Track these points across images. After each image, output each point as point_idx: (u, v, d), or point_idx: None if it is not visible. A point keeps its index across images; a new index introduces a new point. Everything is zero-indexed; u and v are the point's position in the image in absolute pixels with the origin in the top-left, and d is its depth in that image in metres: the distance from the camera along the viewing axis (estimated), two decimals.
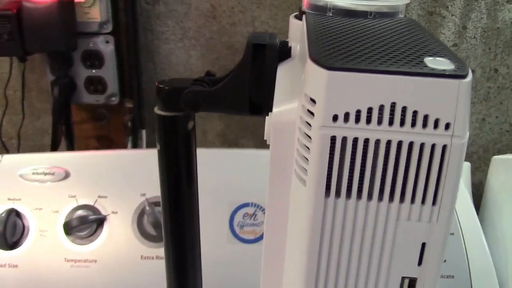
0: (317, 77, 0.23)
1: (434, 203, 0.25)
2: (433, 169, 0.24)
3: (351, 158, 0.24)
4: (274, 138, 0.27)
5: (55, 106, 0.81)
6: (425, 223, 0.25)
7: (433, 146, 0.24)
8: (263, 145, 0.81)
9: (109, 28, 0.83)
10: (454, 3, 0.85)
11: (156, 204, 0.72)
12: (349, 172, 0.25)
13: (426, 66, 0.23)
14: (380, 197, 0.25)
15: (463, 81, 0.23)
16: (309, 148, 0.25)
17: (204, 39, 0.90)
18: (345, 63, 0.23)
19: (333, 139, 0.24)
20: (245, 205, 0.73)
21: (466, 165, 0.76)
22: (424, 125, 0.23)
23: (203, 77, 0.37)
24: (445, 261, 0.69)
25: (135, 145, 0.91)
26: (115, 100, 0.86)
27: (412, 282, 0.26)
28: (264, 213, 0.73)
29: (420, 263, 0.26)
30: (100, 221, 0.71)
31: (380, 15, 0.34)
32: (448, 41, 0.87)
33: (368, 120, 0.23)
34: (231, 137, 0.94)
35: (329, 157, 0.24)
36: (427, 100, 0.23)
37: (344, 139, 0.24)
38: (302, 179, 0.26)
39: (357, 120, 0.23)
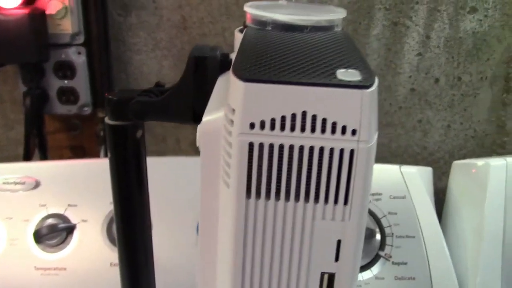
0: (236, 88, 0.25)
1: (346, 203, 0.27)
2: (343, 171, 0.26)
3: (268, 163, 0.26)
4: (203, 145, 0.29)
5: (27, 117, 0.82)
6: (338, 221, 0.27)
7: (341, 150, 0.26)
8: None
9: (81, 39, 0.85)
10: (418, 13, 0.88)
11: None
12: (267, 175, 0.27)
13: (335, 77, 0.25)
14: (297, 198, 0.27)
15: (365, 91, 0.25)
16: (231, 154, 0.27)
17: (175, 49, 0.92)
18: (261, 75, 0.25)
19: (251, 145, 0.26)
20: None
21: (428, 170, 0.79)
22: (333, 131, 0.25)
23: (151, 88, 0.39)
24: (406, 263, 0.71)
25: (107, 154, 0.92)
26: (87, 110, 0.88)
27: (331, 277, 0.28)
28: None
29: (337, 259, 0.28)
30: (70, 229, 0.72)
31: (316, 29, 0.36)
32: (412, 50, 0.90)
33: (282, 128, 0.26)
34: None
35: (249, 162, 0.26)
36: (334, 109, 0.25)
37: (261, 145, 0.26)
38: (227, 183, 0.28)
39: (272, 127, 0.26)
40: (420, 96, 0.93)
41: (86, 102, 0.88)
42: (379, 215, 0.73)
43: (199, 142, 0.30)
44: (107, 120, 0.38)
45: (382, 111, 0.94)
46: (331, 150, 0.26)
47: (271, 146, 0.26)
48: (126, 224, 0.40)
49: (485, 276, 0.70)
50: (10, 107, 0.95)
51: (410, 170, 0.76)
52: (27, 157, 0.85)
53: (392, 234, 0.72)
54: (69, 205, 0.74)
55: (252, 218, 0.27)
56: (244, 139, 0.26)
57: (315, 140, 0.26)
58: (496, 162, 0.74)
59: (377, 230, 0.72)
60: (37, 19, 0.80)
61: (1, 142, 0.97)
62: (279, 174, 0.27)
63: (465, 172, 0.79)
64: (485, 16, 0.88)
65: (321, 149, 0.26)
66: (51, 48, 0.84)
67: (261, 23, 0.37)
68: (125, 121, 0.38)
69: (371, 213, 0.72)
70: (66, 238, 0.72)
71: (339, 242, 0.28)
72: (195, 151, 0.97)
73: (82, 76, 0.87)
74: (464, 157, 0.96)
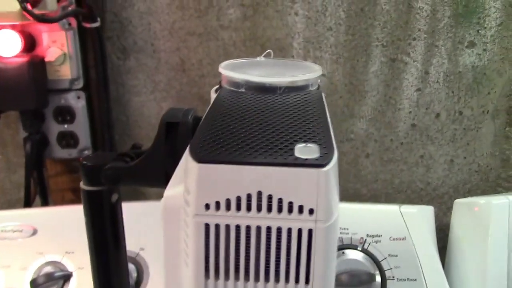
0: (190, 169, 0.25)
1: (307, 281, 0.26)
2: (302, 251, 0.26)
3: (226, 243, 0.26)
4: (165, 221, 0.28)
5: (27, 162, 0.83)
6: None
7: (299, 230, 0.25)
8: None
9: (80, 84, 0.86)
10: (415, 49, 0.88)
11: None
12: (225, 255, 0.26)
13: (292, 154, 0.25)
14: (257, 278, 0.26)
15: (321, 170, 0.24)
16: (188, 234, 0.26)
17: (174, 91, 0.93)
18: (215, 155, 0.25)
19: (207, 226, 0.25)
20: None
21: (429, 209, 0.77)
22: (290, 211, 0.25)
23: (127, 151, 0.39)
24: None
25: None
26: (87, 153, 0.88)
27: None
28: None
29: None
30: (66, 277, 0.72)
31: (290, 89, 0.36)
32: (412, 86, 0.90)
33: (238, 208, 0.25)
34: None
35: (206, 242, 0.26)
36: (290, 188, 0.24)
37: (217, 226, 0.25)
38: (186, 262, 0.27)
39: (228, 208, 0.25)
40: (421, 131, 0.92)
41: (86, 146, 0.89)
42: (379, 257, 0.71)
43: (161, 217, 0.29)
44: (82, 185, 0.38)
45: (383, 147, 0.93)
46: (289, 230, 0.25)
47: (228, 226, 0.25)
48: (103, 284, 0.39)
49: None
50: (12, 151, 0.96)
51: (410, 210, 0.75)
52: (27, 203, 0.85)
53: (393, 277, 0.71)
54: (66, 252, 0.74)
55: None
56: (200, 220, 0.25)
57: (272, 220, 0.25)
58: (498, 201, 0.73)
59: (377, 273, 0.70)
60: (37, 67, 0.82)
61: (4, 186, 0.98)
62: (237, 254, 0.26)
63: (467, 210, 0.77)
64: (484, 50, 0.87)
65: (279, 229, 0.25)
66: (50, 94, 0.85)
67: (235, 84, 0.36)
68: (99, 186, 0.38)
69: (371, 256, 0.71)
70: (63, 286, 0.72)
71: None
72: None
73: (81, 120, 0.87)
74: (469, 192, 0.95)
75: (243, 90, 0.36)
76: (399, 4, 0.86)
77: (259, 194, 0.25)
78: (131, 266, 0.73)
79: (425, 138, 0.92)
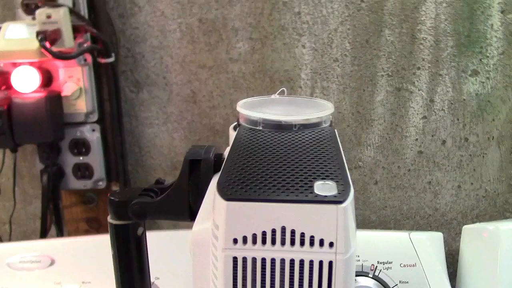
0: (219, 206, 0.27)
1: None
2: (323, 282, 0.27)
3: (252, 275, 0.28)
4: (194, 254, 0.30)
5: (43, 194, 0.85)
6: None
7: (320, 262, 0.27)
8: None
9: (95, 117, 0.89)
10: (420, 78, 0.90)
11: None
12: (252, 286, 0.28)
13: (312, 192, 0.27)
14: None
15: (340, 206, 0.26)
16: (217, 267, 0.28)
17: (186, 122, 0.95)
18: (241, 193, 0.27)
19: (235, 259, 0.27)
20: None
21: (439, 236, 0.79)
22: (311, 244, 0.27)
23: (152, 186, 0.41)
24: None
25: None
26: (102, 184, 0.90)
27: None
28: None
29: None
30: None
31: (304, 126, 0.38)
32: (417, 114, 0.92)
33: (263, 242, 0.27)
34: None
35: (234, 274, 0.28)
36: (311, 223, 0.26)
37: (245, 259, 0.27)
38: None
39: (254, 242, 0.27)
40: (428, 158, 0.93)
41: (101, 177, 0.91)
42: (390, 284, 0.72)
43: (190, 250, 0.31)
44: (109, 219, 0.40)
45: (391, 174, 0.94)
46: (311, 262, 0.27)
47: (254, 259, 0.27)
48: None
49: None
50: (28, 182, 0.98)
51: (420, 237, 0.76)
52: (44, 233, 0.87)
53: None
54: (83, 282, 0.75)
55: None
56: (228, 253, 0.27)
57: (295, 253, 0.27)
58: (507, 226, 0.74)
59: None
60: (54, 101, 0.84)
61: (20, 217, 1.00)
62: (263, 285, 0.28)
63: (476, 236, 0.79)
64: (487, 78, 0.89)
65: (301, 262, 0.27)
66: (66, 127, 0.88)
67: (253, 123, 0.39)
68: (126, 220, 0.40)
69: (382, 283, 0.72)
70: None
71: None
72: None
73: (96, 152, 0.90)
74: (477, 217, 0.96)
75: (261, 128, 0.38)
76: (402, 35, 0.89)
77: (283, 229, 0.27)
78: None
79: (432, 164, 0.94)
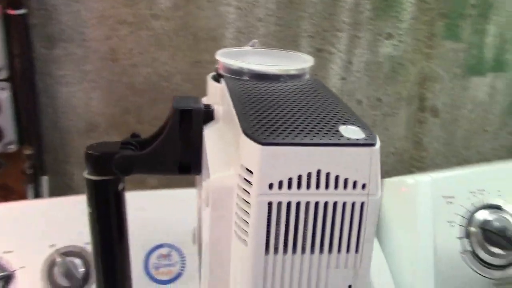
0: (252, 151, 0.27)
1: (357, 251, 0.29)
2: (354, 223, 0.28)
3: (286, 219, 0.28)
4: (213, 202, 0.30)
5: None
6: (350, 268, 0.29)
7: (353, 204, 0.28)
8: (169, 184, 0.83)
9: (4, 74, 0.81)
10: (340, 40, 0.93)
11: (66, 254, 0.71)
12: (285, 231, 0.28)
13: (342, 136, 0.28)
14: (312, 250, 0.29)
15: (373, 148, 0.27)
16: (248, 213, 0.28)
17: (104, 81, 0.90)
18: (275, 137, 0.27)
19: (269, 204, 0.27)
20: (159, 246, 0.74)
21: None
22: (345, 187, 0.27)
23: (129, 140, 0.39)
24: None
25: (37, 193, 0.88)
26: (13, 147, 0.83)
27: None
28: (178, 252, 0.75)
29: None
30: (7, 278, 0.68)
31: (290, 77, 0.38)
32: (336, 75, 0.95)
33: (299, 186, 0.27)
34: (137, 176, 0.94)
35: (268, 219, 0.27)
36: (346, 166, 0.27)
37: (279, 204, 0.27)
38: (243, 240, 0.29)
39: (289, 186, 0.27)
40: None
41: (11, 139, 0.84)
42: None
43: (207, 199, 0.30)
44: (87, 175, 0.38)
45: None
46: (344, 204, 0.28)
47: (289, 204, 0.27)
48: (108, 278, 0.39)
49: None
50: None
51: None
52: None
53: None
54: (4, 252, 0.70)
55: (271, 273, 0.29)
56: (264, 199, 0.27)
57: (329, 196, 0.27)
58: (423, 179, 0.80)
59: None
60: None
61: None
62: (296, 229, 0.28)
63: (395, 188, 0.84)
64: (400, 41, 0.95)
65: (335, 204, 0.28)
66: None
67: (237, 73, 0.38)
68: (107, 176, 0.37)
69: None
70: (4, 287, 0.68)
71: (349, 287, 0.30)
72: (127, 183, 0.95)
73: (6, 113, 0.82)
74: (386, 173, 1.03)
75: (247, 78, 0.37)
76: None
77: (318, 172, 0.27)
78: (77, 261, 0.72)
79: None
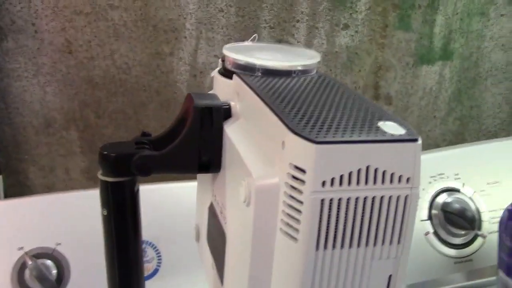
0: (305, 150, 0.27)
1: (399, 242, 0.30)
2: (398, 215, 0.29)
3: (336, 215, 0.28)
4: (257, 200, 0.30)
5: None
6: (392, 259, 0.30)
7: (398, 197, 0.29)
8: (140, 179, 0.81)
9: None
10: (299, 31, 0.95)
11: (37, 256, 0.69)
12: (335, 227, 0.29)
13: (385, 132, 0.28)
14: (359, 244, 0.29)
15: (417, 144, 0.28)
16: (299, 210, 0.28)
17: (60, 74, 0.87)
18: (326, 135, 0.27)
19: (322, 201, 0.28)
20: None
21: None
22: (391, 181, 0.28)
23: (142, 139, 0.38)
24: None
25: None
26: None
27: None
28: (153, 248, 0.74)
29: None
30: None
31: (301, 72, 0.38)
32: None
33: (349, 182, 0.28)
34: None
35: (320, 215, 0.28)
36: (392, 161, 0.28)
37: (331, 200, 0.28)
38: (293, 237, 0.29)
39: (341, 183, 0.28)
40: None
41: None
42: None
43: (250, 199, 0.30)
44: (103, 177, 0.36)
45: None
46: (390, 197, 0.29)
47: (340, 200, 0.28)
48: (123, 280, 0.38)
49: None
50: None
51: None
52: None
53: None
54: None
55: (320, 268, 0.29)
56: (317, 196, 0.27)
57: (377, 190, 0.28)
58: None
59: None
60: None
61: None
62: (345, 224, 0.29)
63: None
64: (356, 31, 0.98)
65: (382, 198, 0.29)
66: None
67: (249, 69, 0.38)
68: (125, 177, 0.36)
69: None
70: None
71: (390, 276, 0.31)
72: (87, 179, 0.93)
73: None
74: None
75: (259, 74, 0.38)
76: None
77: (367, 168, 0.28)
78: (48, 262, 0.69)
79: None
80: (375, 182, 0.28)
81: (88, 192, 0.70)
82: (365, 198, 0.29)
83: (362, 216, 0.29)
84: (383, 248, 0.30)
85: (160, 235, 0.73)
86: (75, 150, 0.91)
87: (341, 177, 0.28)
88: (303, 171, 0.28)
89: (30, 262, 0.66)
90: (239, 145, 0.33)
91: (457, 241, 0.82)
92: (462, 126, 1.10)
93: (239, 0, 0.90)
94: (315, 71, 0.40)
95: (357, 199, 0.28)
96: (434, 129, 1.08)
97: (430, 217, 0.81)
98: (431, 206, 0.82)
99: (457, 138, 1.10)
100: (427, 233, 0.81)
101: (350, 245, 0.30)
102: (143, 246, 0.73)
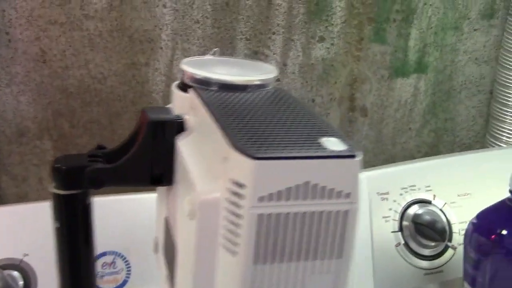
0: (244, 165, 0.27)
1: (340, 256, 0.31)
2: (338, 229, 0.30)
3: (275, 230, 0.29)
4: (200, 214, 0.30)
5: None
6: (333, 273, 0.31)
7: (338, 212, 0.29)
8: (107, 190, 0.81)
9: None
10: (275, 43, 0.96)
11: (3, 267, 0.68)
12: (273, 241, 0.29)
13: (325, 148, 0.29)
14: (298, 258, 0.30)
15: (356, 160, 0.29)
16: (239, 224, 0.28)
17: (34, 83, 0.87)
18: (266, 151, 0.28)
19: (260, 216, 0.28)
20: (103, 254, 0.72)
21: None
22: (330, 196, 0.29)
23: (95, 152, 0.38)
24: None
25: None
26: None
27: None
28: (122, 259, 0.74)
29: None
30: None
31: (257, 87, 0.39)
32: None
33: (287, 198, 0.28)
34: None
35: (258, 230, 0.28)
36: (332, 177, 0.28)
37: (270, 215, 0.28)
38: (232, 251, 0.29)
39: (279, 198, 0.28)
40: None
41: None
42: None
43: (193, 212, 0.31)
44: (55, 190, 0.36)
45: None
46: (329, 212, 0.29)
47: (278, 215, 0.28)
48: None
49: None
50: None
51: None
52: None
53: None
54: None
55: (259, 282, 0.29)
56: (255, 211, 0.28)
57: (316, 206, 0.29)
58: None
59: None
60: None
61: None
62: (284, 239, 0.29)
63: None
64: (332, 44, 0.99)
65: (321, 213, 0.29)
66: None
67: (205, 83, 0.38)
68: (76, 190, 0.36)
69: None
70: None
71: None
72: None
73: None
74: None
75: (215, 88, 0.38)
76: (260, 0, 0.92)
77: (306, 183, 0.28)
78: (15, 274, 0.69)
79: None
80: (314, 197, 0.29)
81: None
82: (304, 213, 0.29)
83: (302, 230, 0.29)
84: (323, 263, 0.31)
85: (130, 246, 0.73)
86: (48, 160, 0.91)
87: (280, 192, 0.28)
88: (242, 186, 0.28)
89: None
90: (187, 159, 0.33)
91: (427, 252, 0.82)
92: (437, 138, 1.11)
93: (215, 11, 0.91)
94: (271, 85, 0.41)
95: (296, 214, 0.29)
96: (409, 141, 1.09)
97: (401, 229, 0.82)
98: (402, 218, 0.82)
99: (432, 150, 1.11)
100: (397, 244, 0.81)
101: (290, 259, 0.30)
102: (112, 257, 0.73)
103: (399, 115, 1.07)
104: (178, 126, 0.37)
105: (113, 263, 0.73)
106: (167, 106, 0.41)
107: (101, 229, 0.73)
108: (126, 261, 0.73)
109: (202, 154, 0.34)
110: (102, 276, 0.72)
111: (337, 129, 0.32)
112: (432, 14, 1.01)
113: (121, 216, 0.72)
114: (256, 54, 0.95)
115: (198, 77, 0.38)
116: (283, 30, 0.95)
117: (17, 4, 0.83)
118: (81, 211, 0.38)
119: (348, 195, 0.29)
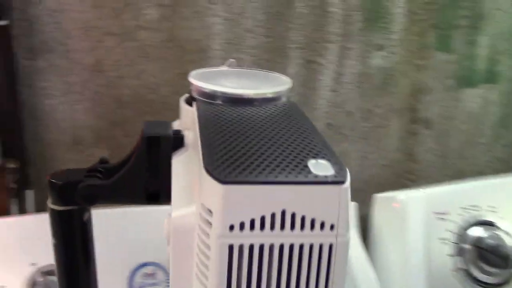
0: (212, 189, 0.25)
1: None
2: (322, 265, 0.26)
3: (249, 263, 0.26)
4: (174, 240, 0.28)
5: None
6: None
7: (321, 245, 0.26)
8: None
9: None
10: (330, 52, 0.92)
11: (48, 273, 0.69)
12: (248, 275, 0.26)
13: (310, 172, 0.26)
14: None
15: (342, 187, 0.25)
16: (208, 256, 0.26)
17: (89, 93, 0.89)
18: (237, 175, 0.25)
19: (231, 247, 0.25)
20: (144, 265, 0.72)
21: (354, 205, 0.82)
22: (312, 227, 0.26)
23: (96, 166, 0.37)
24: None
25: (21, 207, 0.87)
26: None
27: None
28: (163, 271, 0.73)
29: None
30: None
31: (265, 101, 0.36)
32: (326, 86, 0.94)
33: (262, 227, 0.25)
34: None
35: (229, 263, 0.26)
36: (312, 205, 0.25)
37: (241, 246, 0.25)
38: (204, 284, 0.27)
39: (252, 227, 0.25)
40: (336, 129, 0.96)
41: None
42: None
43: (169, 237, 0.29)
44: (51, 205, 0.36)
45: None
46: (311, 245, 0.26)
47: (251, 246, 0.26)
48: None
49: None
50: None
51: None
52: None
53: None
54: None
55: None
56: (224, 241, 0.25)
57: (295, 237, 0.26)
58: (415, 194, 0.78)
59: None
60: None
61: None
62: (260, 273, 0.26)
63: (386, 204, 0.83)
64: (391, 52, 0.93)
65: (301, 246, 0.26)
66: None
67: (210, 96, 0.36)
68: (72, 206, 0.36)
69: None
70: None
71: None
72: None
73: None
74: (378, 185, 1.01)
75: (220, 102, 0.36)
76: (314, 9, 0.89)
77: (283, 212, 0.25)
78: None
79: (340, 136, 0.97)
80: (292, 228, 0.26)
81: (113, 210, 0.71)
82: (281, 246, 0.26)
83: (280, 264, 0.26)
84: None
85: None
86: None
87: (252, 221, 0.25)
88: (211, 212, 0.25)
89: (40, 279, 0.67)
90: (174, 178, 0.31)
91: (490, 280, 0.75)
92: (511, 154, 1.02)
93: (268, 20, 0.89)
94: (284, 99, 0.38)
95: (271, 246, 0.26)
96: (479, 156, 1.01)
97: (460, 253, 0.76)
98: (461, 240, 0.76)
99: (504, 166, 1.02)
100: (456, 269, 0.75)
101: None
102: (153, 268, 0.72)
103: (467, 128, 0.99)
104: (176, 142, 0.35)
105: (153, 274, 0.72)
106: (176, 120, 0.39)
107: (142, 239, 0.73)
108: (167, 273, 0.73)
109: (189, 173, 0.31)
110: (142, 287, 0.72)
111: (332, 151, 0.28)
112: (502, 20, 0.93)
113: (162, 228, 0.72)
114: (310, 63, 0.92)
115: (203, 90, 0.36)
116: (338, 38, 0.91)
117: (74, 16, 0.85)
118: (78, 227, 0.37)
119: (332, 227, 0.26)
